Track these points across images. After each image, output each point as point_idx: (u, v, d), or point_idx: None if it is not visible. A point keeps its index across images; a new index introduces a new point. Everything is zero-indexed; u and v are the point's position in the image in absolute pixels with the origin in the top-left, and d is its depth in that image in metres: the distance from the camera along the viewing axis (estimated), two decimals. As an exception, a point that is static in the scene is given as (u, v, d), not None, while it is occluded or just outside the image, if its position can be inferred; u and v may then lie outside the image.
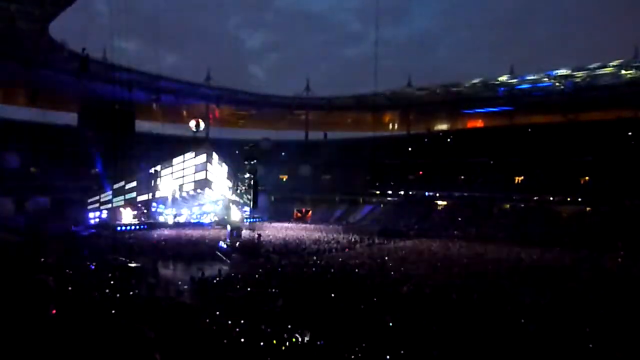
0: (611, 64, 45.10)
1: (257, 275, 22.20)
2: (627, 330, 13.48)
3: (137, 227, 45.33)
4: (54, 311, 3.78)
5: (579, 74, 48.37)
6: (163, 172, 47.34)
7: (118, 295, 16.41)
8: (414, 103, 65.34)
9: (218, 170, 51.84)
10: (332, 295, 17.37)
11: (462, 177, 57.66)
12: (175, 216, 49.99)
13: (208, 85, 62.51)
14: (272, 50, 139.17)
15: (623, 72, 46.14)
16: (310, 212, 63.22)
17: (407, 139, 69.64)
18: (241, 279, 21.22)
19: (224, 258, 29.99)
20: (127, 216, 46.48)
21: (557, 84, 51.08)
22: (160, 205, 48.99)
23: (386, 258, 29.15)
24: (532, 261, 29.48)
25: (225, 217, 52.25)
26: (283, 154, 68.33)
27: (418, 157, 63.66)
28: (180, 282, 21.18)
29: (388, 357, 10.76)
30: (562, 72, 48.61)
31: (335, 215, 61.49)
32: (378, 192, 62.17)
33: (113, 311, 13.05)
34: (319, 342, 11.52)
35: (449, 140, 65.81)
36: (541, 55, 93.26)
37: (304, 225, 54.46)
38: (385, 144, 68.68)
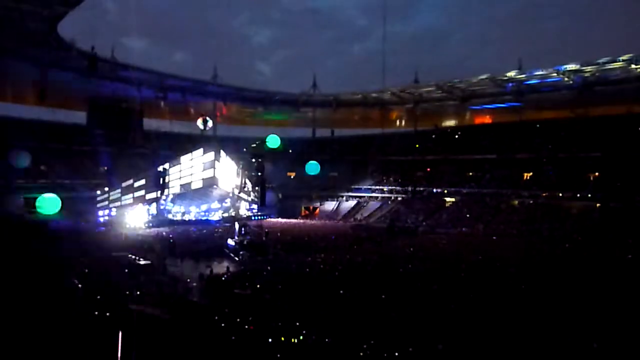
0: (621, 58, 44.57)
1: (265, 273, 22.29)
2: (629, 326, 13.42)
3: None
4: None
5: (588, 68, 47.89)
6: (171, 170, 47.61)
7: (127, 292, 16.59)
8: (421, 99, 65.12)
9: (226, 168, 52.05)
10: (340, 292, 17.43)
11: (470, 173, 57.43)
12: (183, 214, 50.29)
13: (215, 83, 62.70)
14: (279, 47, 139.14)
15: (633, 66, 45.57)
16: (318, 209, 63.30)
17: (415, 135, 69.41)
18: (249, 276, 21.32)
19: (232, 255, 30.15)
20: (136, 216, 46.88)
21: (566, 79, 50.63)
22: (169, 203, 49.28)
23: (394, 255, 29.15)
24: (541, 258, 29.32)
25: (233, 215, 52.53)
26: (290, 151, 68.36)
27: (426, 153, 63.47)
28: (188, 280, 21.33)
29: (396, 353, 10.79)
30: (571, 67, 48.13)
31: (342, 212, 61.51)
32: (385, 189, 62.11)
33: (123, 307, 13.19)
34: (326, 340, 11.57)
35: (456, 136, 65.53)
36: (550, 50, 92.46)
37: (311, 222, 54.56)
38: (392, 140, 68.57)
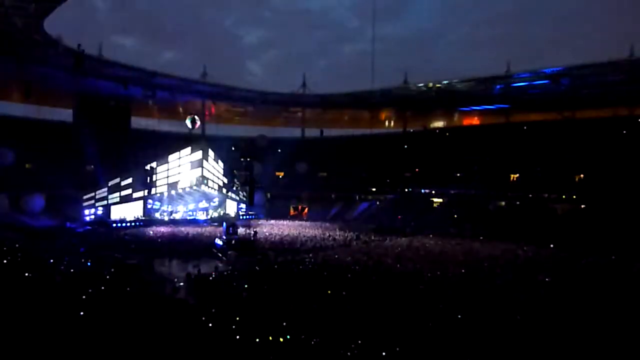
0: (606, 62, 45.19)
1: (253, 273, 22.20)
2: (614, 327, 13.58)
3: (133, 223, 45.30)
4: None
5: (575, 72, 48.46)
6: (159, 169, 47.29)
7: (114, 292, 16.41)
8: (411, 100, 65.34)
9: (214, 167, 51.85)
10: (329, 292, 17.41)
11: (458, 174, 57.77)
12: (171, 213, 49.96)
13: (204, 82, 62.30)
14: (269, 47, 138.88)
15: (618, 70, 46.25)
16: (307, 209, 63.22)
17: (404, 136, 69.68)
18: (237, 276, 21.22)
19: (220, 255, 29.98)
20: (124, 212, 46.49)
21: (553, 81, 51.16)
22: (156, 202, 48.92)
23: (382, 255, 29.22)
24: (527, 258, 29.62)
25: (221, 214, 52.31)
26: (279, 151, 68.24)
27: (414, 154, 63.73)
28: (176, 279, 21.17)
29: (383, 353, 10.79)
30: (558, 70, 48.69)
31: (331, 212, 61.49)
32: (374, 190, 62.21)
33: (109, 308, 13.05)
34: (314, 340, 11.53)
35: (445, 137, 65.89)
36: (537, 53, 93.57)
37: (300, 222, 54.46)
38: (381, 141, 68.71)
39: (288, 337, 11.52)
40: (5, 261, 20.79)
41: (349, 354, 10.77)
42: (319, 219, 57.20)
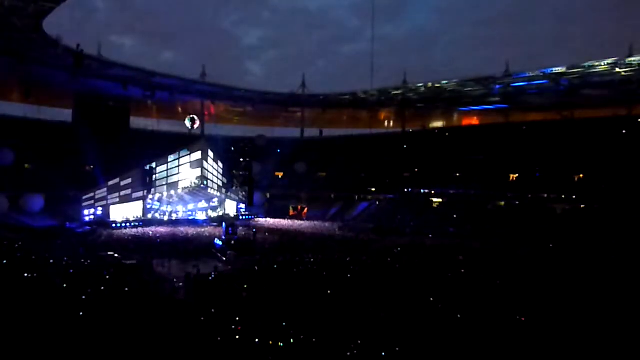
0: (606, 61, 45.22)
1: (252, 273, 22.21)
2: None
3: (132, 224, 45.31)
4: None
5: (574, 71, 48.50)
6: (158, 169, 47.30)
7: (113, 292, 16.42)
8: (410, 100, 65.39)
9: (214, 167, 51.90)
10: (328, 292, 17.43)
11: (458, 174, 57.78)
12: (170, 213, 49.94)
13: (203, 82, 62.24)
14: (268, 47, 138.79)
15: (617, 70, 46.26)
16: (306, 209, 63.21)
17: (403, 136, 69.67)
18: (237, 276, 21.23)
19: (220, 255, 30.01)
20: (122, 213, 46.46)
21: (552, 81, 51.21)
22: (156, 202, 48.90)
23: (382, 255, 29.25)
24: (525, 258, 29.65)
25: (221, 214, 52.32)
26: (278, 151, 68.22)
27: (413, 154, 63.75)
28: (175, 280, 21.19)
29: (383, 353, 10.80)
30: (557, 70, 48.70)
31: (330, 212, 61.45)
32: (373, 190, 62.19)
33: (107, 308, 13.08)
34: (313, 340, 11.55)
35: (444, 137, 65.91)
36: (536, 53, 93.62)
37: (299, 222, 54.48)
38: (380, 141, 68.72)
39: (287, 337, 11.53)
40: (4, 261, 20.79)
41: (349, 354, 10.78)
42: (319, 219, 57.22)
